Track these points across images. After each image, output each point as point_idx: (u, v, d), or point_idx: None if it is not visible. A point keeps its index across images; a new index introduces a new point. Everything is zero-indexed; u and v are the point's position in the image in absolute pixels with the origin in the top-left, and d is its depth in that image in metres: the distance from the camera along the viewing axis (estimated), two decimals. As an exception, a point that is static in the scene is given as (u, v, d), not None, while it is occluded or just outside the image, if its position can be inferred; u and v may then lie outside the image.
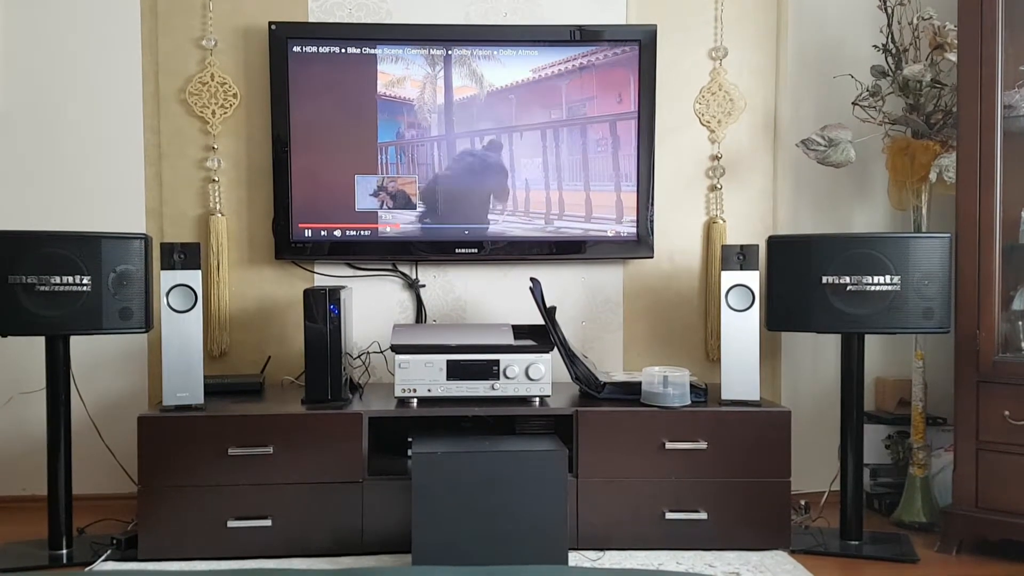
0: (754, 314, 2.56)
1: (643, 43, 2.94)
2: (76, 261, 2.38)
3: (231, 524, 2.44)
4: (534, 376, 2.58)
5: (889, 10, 2.84)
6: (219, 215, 2.98)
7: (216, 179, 2.98)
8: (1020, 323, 2.57)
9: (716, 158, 3.07)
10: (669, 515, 2.51)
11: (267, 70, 2.91)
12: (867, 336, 2.63)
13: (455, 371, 2.57)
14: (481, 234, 2.96)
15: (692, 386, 2.60)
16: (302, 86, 2.89)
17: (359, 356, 2.97)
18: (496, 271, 3.07)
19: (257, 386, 2.81)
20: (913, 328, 2.52)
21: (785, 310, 2.57)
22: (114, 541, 2.47)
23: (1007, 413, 2.45)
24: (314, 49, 2.89)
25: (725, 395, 2.59)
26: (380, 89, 2.92)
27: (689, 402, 2.58)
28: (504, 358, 2.59)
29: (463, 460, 2.35)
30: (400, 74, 2.92)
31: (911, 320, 2.49)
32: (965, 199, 2.52)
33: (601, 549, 2.52)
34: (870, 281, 2.49)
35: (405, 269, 3.05)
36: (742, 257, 2.58)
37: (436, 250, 2.96)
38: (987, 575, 2.41)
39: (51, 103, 2.96)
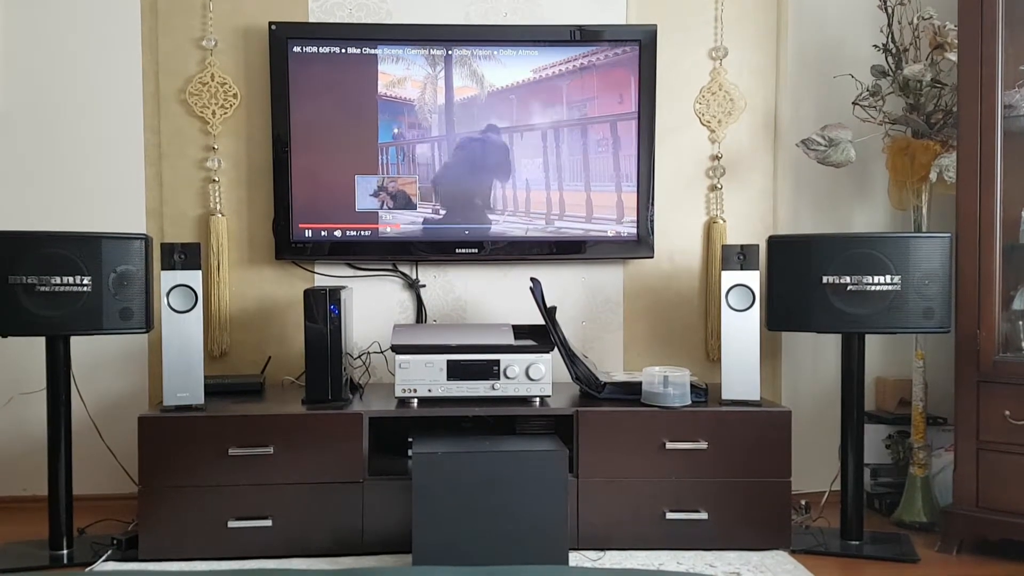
0: (754, 314, 2.56)
1: (643, 43, 2.94)
2: (76, 261, 2.38)
3: (231, 524, 2.44)
4: (534, 376, 2.58)
5: (889, 10, 2.84)
6: (219, 215, 2.98)
7: (216, 179, 2.98)
8: (1020, 323, 2.57)
9: (716, 158, 3.07)
10: (670, 515, 2.51)
11: (267, 70, 2.91)
12: (867, 336, 2.63)
13: (455, 371, 2.57)
14: (481, 234, 2.96)
15: (692, 386, 2.60)
16: (302, 86, 2.89)
17: (359, 356, 2.97)
18: (496, 271, 3.07)
19: (257, 386, 2.81)
20: (913, 328, 2.52)
21: (785, 310, 2.57)
22: (114, 541, 2.47)
23: (1007, 413, 2.45)
24: (314, 49, 2.89)
25: (725, 395, 2.59)
26: (381, 89, 2.92)
27: (689, 402, 2.58)
28: (504, 358, 2.59)
29: (463, 460, 2.35)
30: (401, 74, 2.92)
31: (911, 320, 2.49)
32: (965, 199, 2.52)
33: (601, 549, 2.52)
34: (870, 281, 2.49)
35: (405, 269, 3.05)
36: (742, 257, 2.58)
37: (436, 250, 2.96)
38: (987, 575, 2.41)
39: (51, 103, 2.96)
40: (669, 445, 2.52)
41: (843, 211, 3.13)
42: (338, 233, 2.93)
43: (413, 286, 3.04)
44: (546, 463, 2.34)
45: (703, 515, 2.52)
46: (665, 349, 3.10)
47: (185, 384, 2.49)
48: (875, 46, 2.89)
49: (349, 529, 2.48)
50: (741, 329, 2.57)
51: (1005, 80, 2.49)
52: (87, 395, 2.73)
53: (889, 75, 2.85)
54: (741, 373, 2.58)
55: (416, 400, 2.57)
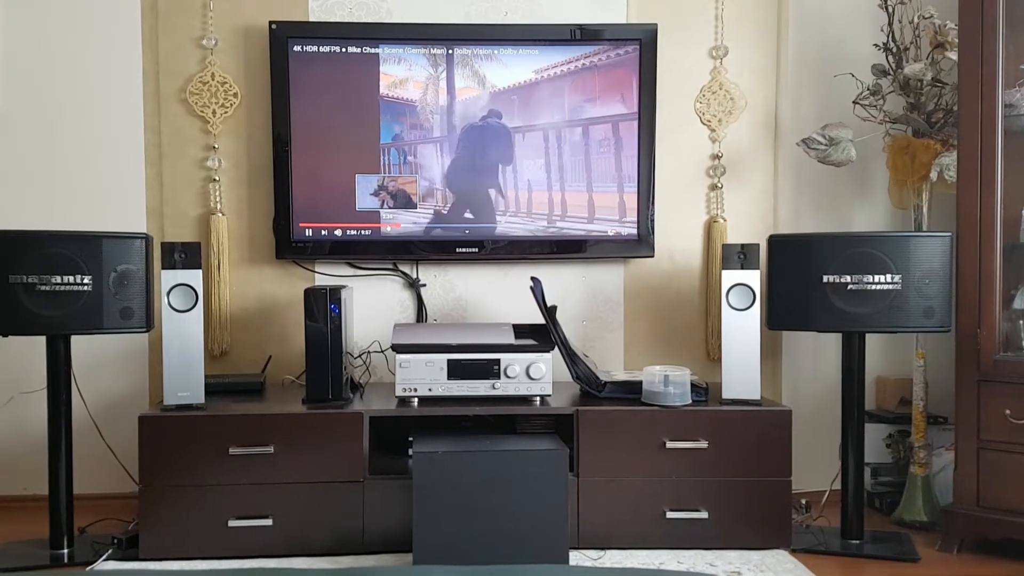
0: (755, 313, 2.56)
1: (643, 42, 2.94)
2: (77, 261, 2.38)
3: (232, 523, 2.44)
4: (535, 375, 2.58)
5: (890, 9, 2.84)
6: (220, 215, 2.98)
7: (217, 179, 2.98)
8: (1021, 322, 2.57)
9: (717, 157, 3.07)
10: (670, 514, 2.51)
11: (267, 69, 2.91)
12: (868, 335, 2.63)
13: (456, 370, 2.57)
14: (482, 234, 2.96)
15: (693, 385, 2.60)
16: (303, 85, 2.89)
17: (360, 355, 2.97)
18: (497, 270, 3.07)
19: (258, 386, 2.81)
20: (914, 327, 2.52)
21: (786, 309, 2.57)
22: (115, 540, 2.47)
23: (1008, 412, 2.45)
24: (315, 48, 2.89)
25: (726, 394, 2.59)
26: (383, 90, 2.92)
27: (690, 401, 2.57)
28: (505, 357, 2.59)
29: (464, 459, 2.35)
30: (403, 75, 2.92)
31: (912, 319, 2.49)
32: (966, 198, 2.52)
33: (602, 548, 2.52)
34: (871, 280, 2.49)
35: (406, 268, 3.05)
36: (743, 256, 2.58)
37: (437, 249, 2.96)
38: (988, 574, 2.41)
39: (51, 103, 2.96)
40: (669, 444, 2.52)
41: (843, 210, 3.13)
42: (338, 232, 2.93)
43: (413, 285, 3.04)
44: (546, 462, 2.34)
45: (703, 514, 2.52)
46: (665, 348, 3.10)
47: (186, 383, 2.49)
48: (875, 45, 2.89)
49: (349, 528, 2.48)
50: (741, 328, 2.57)
51: (1006, 79, 2.49)
52: (88, 394, 2.73)
53: (890, 74, 2.85)
54: (741, 372, 2.58)
55: (416, 399, 2.57)
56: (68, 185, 2.97)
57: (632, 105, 2.95)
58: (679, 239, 3.08)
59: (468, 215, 2.95)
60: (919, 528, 2.75)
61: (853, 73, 2.90)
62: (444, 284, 3.06)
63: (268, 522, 2.45)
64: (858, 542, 2.57)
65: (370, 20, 2.99)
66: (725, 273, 2.59)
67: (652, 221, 2.98)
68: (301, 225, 2.92)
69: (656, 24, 2.96)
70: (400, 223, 2.94)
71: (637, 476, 2.52)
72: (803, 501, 2.80)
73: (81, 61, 2.96)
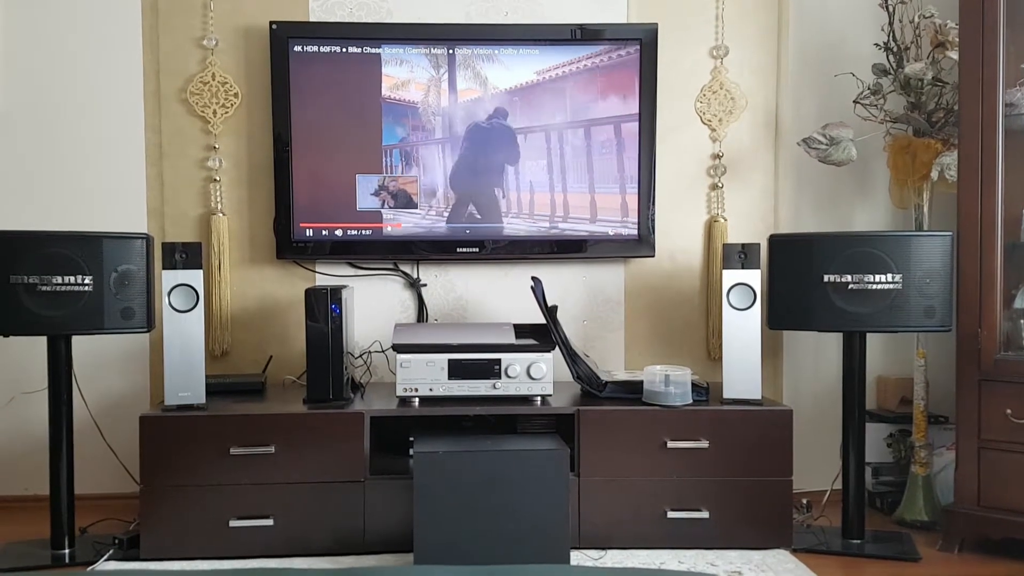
0: (755, 313, 2.56)
1: (644, 42, 2.94)
2: (78, 261, 2.38)
3: (233, 524, 2.44)
4: (535, 375, 2.58)
5: (890, 8, 2.84)
6: (220, 215, 2.98)
7: (217, 179, 2.98)
8: (1022, 321, 2.57)
9: (717, 157, 3.07)
10: (671, 514, 2.51)
11: (268, 69, 2.91)
12: (868, 335, 2.63)
13: (456, 370, 2.57)
14: (483, 234, 2.96)
15: (694, 385, 2.60)
16: (303, 85, 2.89)
17: (361, 355, 2.97)
18: (497, 270, 3.07)
19: (259, 386, 2.81)
20: (915, 327, 2.52)
21: (786, 309, 2.57)
22: (116, 540, 2.47)
23: (1009, 411, 2.45)
24: (315, 49, 2.89)
25: (727, 394, 2.59)
26: (385, 92, 2.92)
27: (691, 401, 2.57)
28: (505, 357, 2.59)
29: (465, 459, 2.35)
30: (405, 77, 2.92)
31: (913, 319, 2.49)
32: (966, 197, 2.52)
33: (603, 548, 2.52)
34: (871, 280, 2.49)
35: (406, 268, 3.05)
36: (743, 256, 2.58)
37: (437, 249, 2.96)
38: (989, 574, 2.41)
39: (51, 103, 2.96)
40: (670, 444, 2.52)
41: (844, 210, 3.13)
42: (339, 232, 2.93)
43: (414, 285, 3.04)
44: (547, 462, 2.34)
45: (704, 514, 2.52)
46: (666, 348, 3.10)
47: (186, 383, 2.49)
48: (876, 45, 2.89)
49: (350, 528, 2.48)
50: (742, 328, 2.57)
51: (1006, 79, 2.48)
52: (88, 394, 2.73)
53: (890, 74, 2.85)
54: (742, 372, 2.58)
55: (417, 399, 2.57)
56: (68, 185, 2.97)
57: (633, 105, 2.95)
58: (680, 239, 3.08)
59: (474, 215, 2.95)
60: (920, 528, 2.75)
61: (854, 73, 2.90)
62: (445, 284, 3.06)
63: (269, 522, 2.45)
64: (859, 542, 2.57)
65: (370, 20, 2.98)
66: (726, 273, 2.59)
67: (653, 221, 2.98)
68: (302, 225, 2.92)
69: (656, 24, 2.96)
70: (401, 223, 2.94)
71: (638, 476, 2.52)
72: (804, 501, 2.80)
73: (81, 61, 2.96)
